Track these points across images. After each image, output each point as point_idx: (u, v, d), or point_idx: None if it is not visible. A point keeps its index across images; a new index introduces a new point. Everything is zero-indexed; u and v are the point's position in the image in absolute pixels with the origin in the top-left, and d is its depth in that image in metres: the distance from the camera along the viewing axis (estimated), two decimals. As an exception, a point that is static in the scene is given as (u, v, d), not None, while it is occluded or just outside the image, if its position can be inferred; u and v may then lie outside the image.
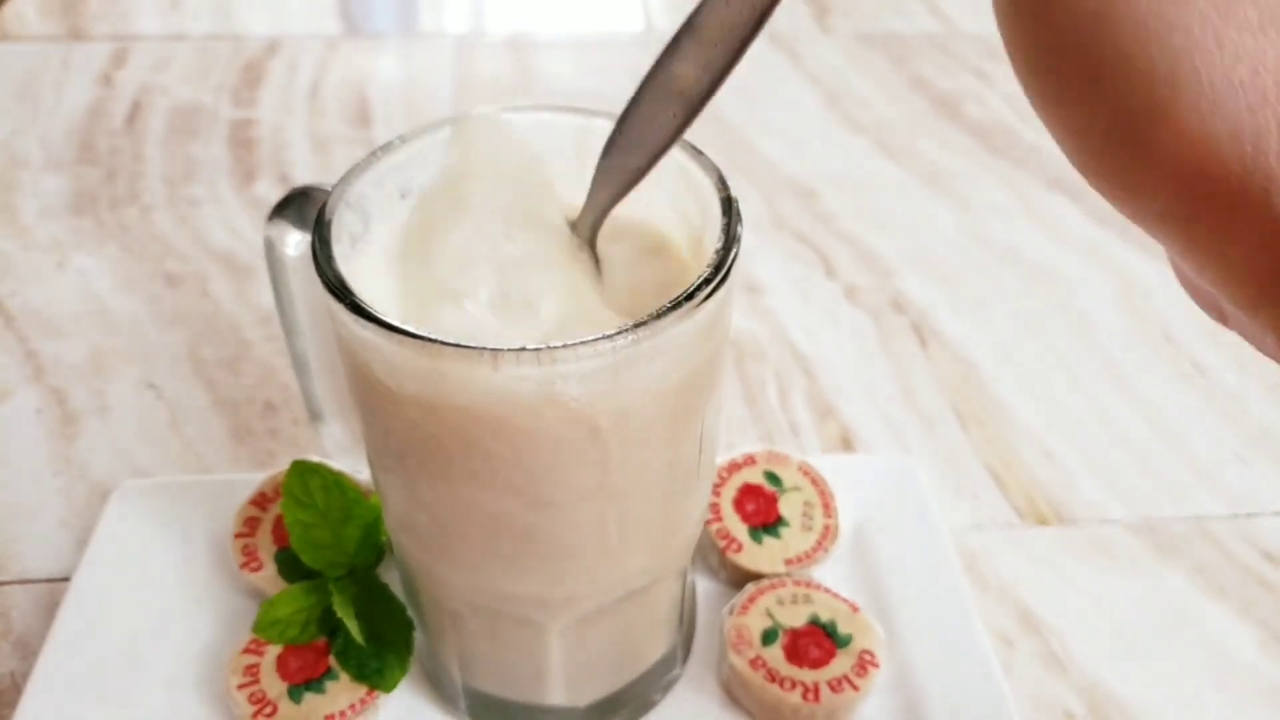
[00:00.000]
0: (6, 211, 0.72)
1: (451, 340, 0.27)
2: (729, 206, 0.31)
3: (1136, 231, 0.72)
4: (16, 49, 0.91)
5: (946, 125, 0.86)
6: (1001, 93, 0.90)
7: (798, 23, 1.00)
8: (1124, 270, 0.71)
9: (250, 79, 0.88)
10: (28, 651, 0.45)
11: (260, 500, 0.47)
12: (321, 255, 0.30)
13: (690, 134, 0.33)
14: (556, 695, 0.40)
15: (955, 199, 0.78)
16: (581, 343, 0.27)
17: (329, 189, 0.33)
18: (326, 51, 0.93)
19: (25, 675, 0.42)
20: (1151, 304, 0.68)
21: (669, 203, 0.35)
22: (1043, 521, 0.54)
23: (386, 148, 0.34)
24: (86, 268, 0.67)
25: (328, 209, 0.32)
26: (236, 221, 0.72)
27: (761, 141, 0.83)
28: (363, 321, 0.28)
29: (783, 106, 0.88)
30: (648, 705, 0.43)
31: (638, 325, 0.28)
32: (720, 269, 0.29)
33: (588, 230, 0.34)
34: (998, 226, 0.75)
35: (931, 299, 0.68)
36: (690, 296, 0.28)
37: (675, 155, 0.34)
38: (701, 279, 0.29)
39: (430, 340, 0.27)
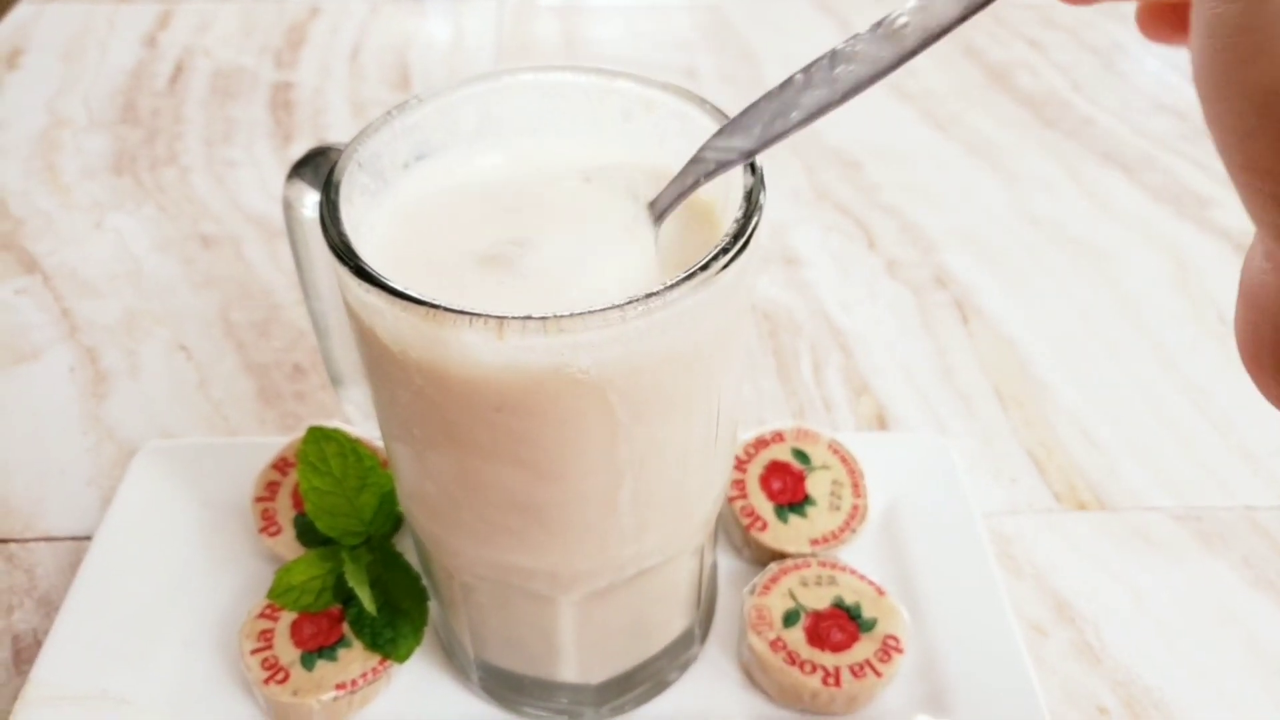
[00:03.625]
0: (48, 170, 0.72)
1: (455, 307, 0.26)
2: (753, 170, 0.30)
3: (1192, 209, 0.69)
4: (65, 9, 0.92)
5: (996, 95, 0.83)
6: (1055, 63, 0.87)
7: (848, -11, 0.97)
8: (1178, 249, 0.68)
9: (292, 41, 0.88)
10: (50, 609, 0.46)
11: (281, 465, 0.47)
12: (329, 217, 0.29)
13: (730, 100, 0.31)
14: (569, 671, 0.39)
15: (1003, 172, 0.75)
16: (590, 312, 0.26)
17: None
18: (369, 15, 0.92)
19: (47, 632, 0.43)
20: (1206, 285, 0.65)
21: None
22: (1083, 507, 0.52)
23: (401, 108, 0.33)
24: (123, 228, 0.67)
25: (337, 170, 0.31)
26: (272, 184, 0.71)
27: (806, 110, 0.81)
28: (366, 285, 0.27)
29: (829, 75, 0.86)
30: (663, 684, 0.42)
31: (649, 295, 0.26)
32: (739, 238, 0.28)
33: (662, 208, 0.32)
34: (1046, 201, 0.72)
35: (975, 275, 0.66)
36: (705, 266, 0.27)
37: (705, 122, 0.33)
38: (718, 248, 0.28)
39: (433, 306, 0.26)
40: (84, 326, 0.60)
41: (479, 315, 0.26)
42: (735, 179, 0.31)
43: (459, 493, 0.32)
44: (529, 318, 0.26)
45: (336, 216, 0.29)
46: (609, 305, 0.26)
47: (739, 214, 0.29)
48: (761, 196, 0.29)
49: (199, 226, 0.68)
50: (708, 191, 0.34)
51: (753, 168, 0.30)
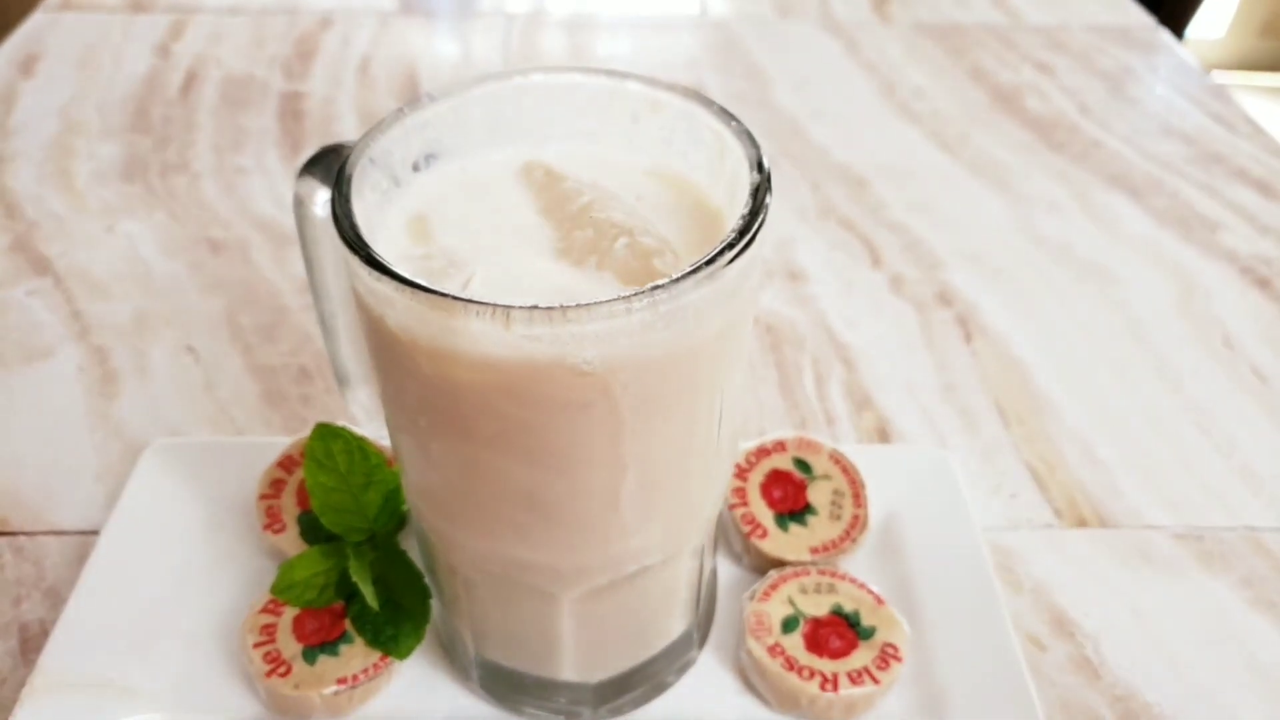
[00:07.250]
0: (62, 176, 0.73)
1: (464, 296, 0.26)
2: (760, 169, 0.30)
3: (1200, 233, 0.70)
4: (80, 19, 0.93)
5: (1004, 118, 0.84)
6: (1063, 86, 0.88)
7: (857, 11, 0.98)
8: (1184, 272, 0.68)
9: (303, 52, 0.89)
10: (57, 600, 0.46)
11: (286, 463, 0.47)
12: (341, 209, 0.30)
13: (741, 118, 0.32)
14: (568, 670, 0.39)
15: (1009, 193, 0.76)
16: (596, 304, 0.26)
17: (359, 146, 0.33)
18: (379, 28, 0.93)
19: (54, 623, 0.43)
20: (1211, 308, 0.65)
21: (706, 167, 0.34)
22: (1083, 524, 0.52)
23: (412, 105, 0.34)
24: (134, 232, 0.68)
25: (349, 164, 0.31)
26: (281, 191, 0.72)
27: (813, 128, 0.81)
28: (377, 275, 0.28)
29: (837, 94, 0.86)
30: (661, 686, 0.42)
31: (655, 288, 0.27)
32: (745, 234, 0.28)
33: None
34: (1052, 222, 0.73)
35: (979, 293, 0.66)
36: (711, 261, 0.28)
37: (711, 122, 0.33)
38: (724, 244, 0.28)
39: (442, 295, 0.27)
40: (94, 327, 0.60)
41: (486, 304, 0.26)
42: (742, 180, 0.31)
43: (463, 484, 0.32)
44: (535, 307, 0.26)
45: (348, 209, 0.30)
46: (615, 296, 0.26)
47: (745, 210, 0.29)
48: (767, 196, 0.30)
49: (208, 232, 0.68)
50: (714, 196, 0.35)
51: (760, 166, 0.31)
